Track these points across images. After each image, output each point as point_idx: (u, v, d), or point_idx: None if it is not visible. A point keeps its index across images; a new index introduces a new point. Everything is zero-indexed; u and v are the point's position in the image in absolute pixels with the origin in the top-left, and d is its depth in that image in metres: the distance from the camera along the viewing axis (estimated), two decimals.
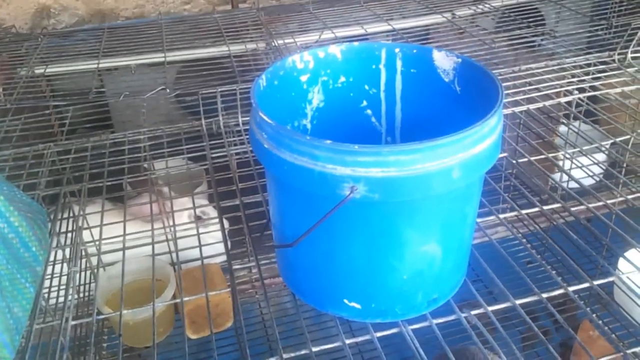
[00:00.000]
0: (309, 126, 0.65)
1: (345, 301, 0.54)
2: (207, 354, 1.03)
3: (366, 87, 0.66)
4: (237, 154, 0.89)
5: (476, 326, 0.55)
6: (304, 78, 0.63)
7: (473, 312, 0.56)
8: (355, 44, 0.64)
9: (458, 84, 0.61)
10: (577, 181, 0.81)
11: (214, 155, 0.86)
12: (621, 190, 0.83)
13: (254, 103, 0.52)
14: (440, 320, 0.56)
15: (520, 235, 1.13)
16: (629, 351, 0.52)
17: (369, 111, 0.67)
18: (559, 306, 1.10)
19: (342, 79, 0.65)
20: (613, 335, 0.97)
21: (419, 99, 0.65)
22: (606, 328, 1.00)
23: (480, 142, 0.48)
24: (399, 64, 0.64)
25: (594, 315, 1.04)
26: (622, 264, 0.93)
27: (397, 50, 0.63)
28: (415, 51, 0.63)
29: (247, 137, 0.91)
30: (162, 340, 1.00)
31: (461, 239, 0.55)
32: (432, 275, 0.54)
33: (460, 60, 0.60)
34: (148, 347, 1.00)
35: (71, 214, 0.84)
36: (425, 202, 0.49)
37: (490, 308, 0.57)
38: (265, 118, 0.50)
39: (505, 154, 0.85)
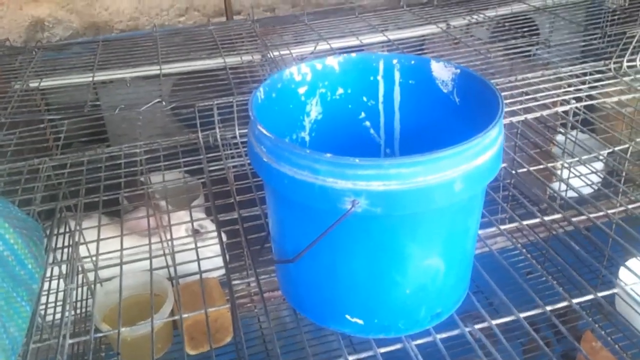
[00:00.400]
0: (307, 139, 0.65)
1: (347, 317, 0.54)
2: None
3: (364, 98, 0.66)
4: (234, 166, 0.89)
5: (480, 340, 0.54)
6: (301, 90, 0.63)
7: (477, 327, 0.56)
8: (353, 55, 0.63)
9: (457, 94, 0.61)
10: (576, 190, 0.81)
11: (211, 168, 0.85)
12: (620, 199, 0.83)
13: (252, 116, 0.52)
14: (444, 335, 0.56)
15: (519, 245, 1.12)
16: None
17: (367, 123, 0.67)
18: (560, 317, 1.09)
19: (340, 90, 0.65)
20: (616, 346, 0.96)
21: (417, 110, 0.65)
22: (609, 339, 0.99)
23: (482, 154, 0.48)
24: (397, 75, 0.64)
25: (596, 325, 1.03)
26: (623, 273, 0.92)
27: (395, 61, 0.63)
28: (413, 62, 0.63)
29: (245, 149, 0.91)
30: (160, 357, 0.98)
31: (464, 252, 0.54)
32: (435, 290, 0.53)
33: (458, 70, 0.59)
34: None
35: (67, 229, 0.83)
36: (428, 216, 0.48)
37: (494, 322, 0.56)
38: (264, 131, 0.49)
39: (504, 164, 0.85)
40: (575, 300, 0.58)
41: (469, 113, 0.60)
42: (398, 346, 0.54)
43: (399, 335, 0.55)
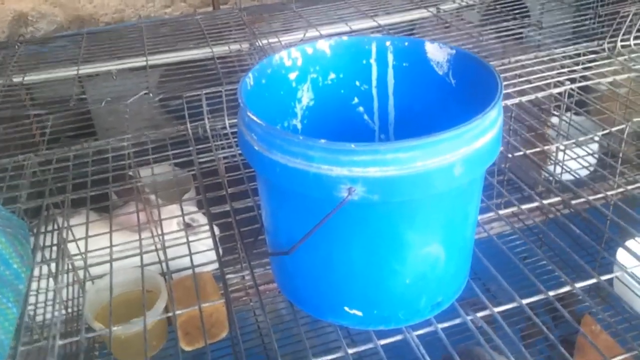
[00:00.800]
0: (299, 126, 0.63)
1: (346, 309, 0.52)
2: None
3: (357, 83, 0.64)
4: (225, 157, 0.86)
5: (481, 327, 0.53)
6: (292, 76, 0.61)
7: (479, 314, 0.54)
8: (345, 38, 0.61)
9: (452, 76, 0.59)
10: (573, 173, 0.79)
11: (201, 160, 0.83)
12: (618, 179, 0.82)
13: (242, 103, 0.50)
14: (445, 325, 0.54)
15: (517, 230, 1.11)
16: None
17: (360, 108, 0.65)
18: (558, 301, 1.09)
19: (332, 75, 0.63)
20: (616, 329, 0.95)
21: (412, 94, 0.63)
22: (610, 321, 0.98)
23: (481, 136, 0.46)
24: (390, 57, 0.62)
25: (597, 309, 1.03)
26: (620, 254, 0.91)
27: (388, 43, 0.61)
28: (407, 44, 0.61)
29: (235, 139, 0.89)
30: (156, 354, 0.97)
31: (464, 239, 0.53)
32: (435, 278, 0.51)
33: (454, 51, 0.58)
34: None
35: (55, 227, 0.81)
36: (427, 202, 0.46)
37: (496, 309, 0.55)
38: (255, 118, 0.47)
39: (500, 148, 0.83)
40: (578, 285, 0.57)
41: (466, 95, 0.58)
42: (399, 337, 0.53)
43: (399, 326, 0.53)
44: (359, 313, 0.52)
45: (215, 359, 0.97)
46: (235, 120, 0.94)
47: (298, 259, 0.52)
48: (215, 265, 1.08)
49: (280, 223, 0.52)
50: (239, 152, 0.86)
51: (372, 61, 0.62)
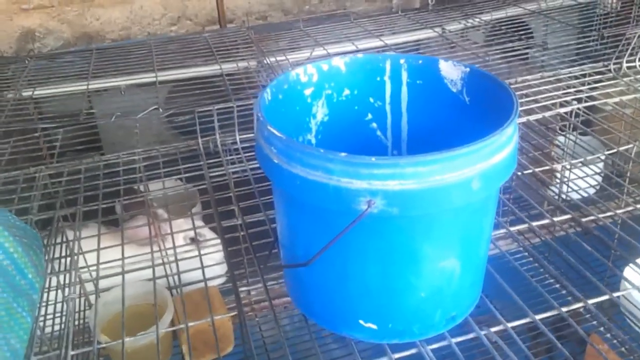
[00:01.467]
0: (313, 141, 0.64)
1: (361, 322, 0.52)
2: None
3: (371, 99, 0.65)
4: (234, 172, 0.87)
5: (496, 342, 0.53)
6: (307, 92, 0.61)
7: (492, 329, 0.54)
8: (360, 55, 0.62)
9: (467, 94, 0.60)
10: (580, 192, 0.80)
11: (212, 175, 0.84)
12: (625, 198, 0.82)
13: (261, 117, 0.50)
14: (459, 339, 0.54)
15: (522, 249, 1.12)
16: None
17: (374, 124, 0.66)
18: (563, 320, 1.09)
19: (347, 91, 0.64)
20: (623, 349, 0.95)
21: (425, 111, 0.64)
22: (615, 341, 0.99)
23: (498, 152, 0.46)
24: (404, 75, 0.63)
25: (601, 328, 1.03)
26: (628, 272, 0.91)
27: (402, 61, 0.62)
28: (420, 62, 0.62)
29: (246, 154, 0.89)
30: None
31: (479, 253, 0.53)
32: (450, 292, 0.52)
33: (468, 69, 0.59)
34: None
35: (65, 239, 0.81)
36: (444, 216, 0.47)
37: (510, 324, 0.55)
38: (275, 132, 0.48)
39: None
40: (591, 301, 0.57)
41: (479, 112, 0.59)
42: (413, 351, 0.53)
43: (413, 340, 0.53)
44: (374, 326, 0.52)
45: None
46: (246, 136, 0.95)
47: (314, 272, 0.52)
48: (221, 280, 1.08)
49: (298, 236, 0.53)
50: (250, 166, 0.87)
51: (386, 78, 0.63)
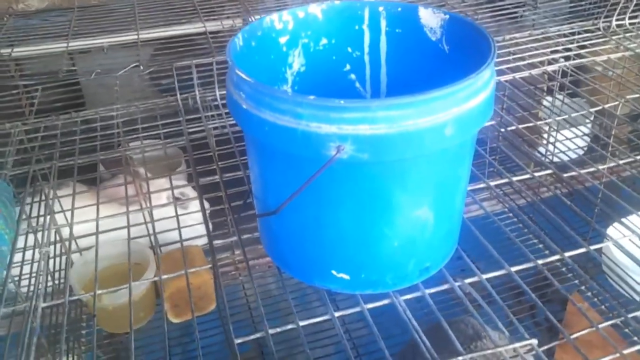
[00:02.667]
0: (289, 92, 0.62)
1: (334, 272, 0.51)
2: (190, 337, 1.00)
3: (349, 49, 0.63)
4: (215, 128, 0.85)
5: (470, 294, 0.52)
6: (283, 40, 0.59)
7: (467, 281, 0.54)
8: (337, 2, 0.60)
9: (446, 42, 0.58)
10: (565, 154, 0.79)
11: (190, 130, 0.82)
12: (610, 155, 0.81)
13: (231, 61, 0.49)
14: (433, 290, 0.54)
15: (506, 209, 1.11)
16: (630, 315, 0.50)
17: (352, 76, 0.64)
18: (545, 280, 1.09)
19: (324, 41, 0.62)
20: (603, 307, 0.96)
21: (405, 61, 0.62)
22: (595, 299, 0.99)
23: (474, 97, 0.45)
24: (383, 23, 0.61)
25: (582, 287, 1.03)
26: (611, 231, 0.91)
27: (381, 8, 0.60)
28: (400, 9, 0.60)
29: (226, 111, 0.88)
30: (143, 326, 0.96)
31: (454, 204, 0.52)
32: (424, 243, 0.51)
33: (447, 16, 0.57)
34: (129, 333, 0.96)
35: (42, 198, 0.80)
36: (417, 162, 0.46)
37: (485, 276, 0.54)
38: (243, 75, 0.46)
39: (492, 122, 0.83)
40: (567, 254, 0.56)
41: (460, 61, 0.57)
42: (386, 301, 0.52)
43: (386, 291, 0.53)
44: (346, 277, 0.51)
45: (203, 331, 0.97)
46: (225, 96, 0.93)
47: (285, 221, 0.51)
48: (205, 240, 1.07)
49: (269, 184, 0.51)
50: (230, 123, 0.86)
51: (365, 27, 0.61)
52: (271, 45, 0.59)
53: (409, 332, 0.61)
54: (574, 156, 1.09)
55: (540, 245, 1.05)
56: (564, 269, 1.04)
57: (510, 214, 1.12)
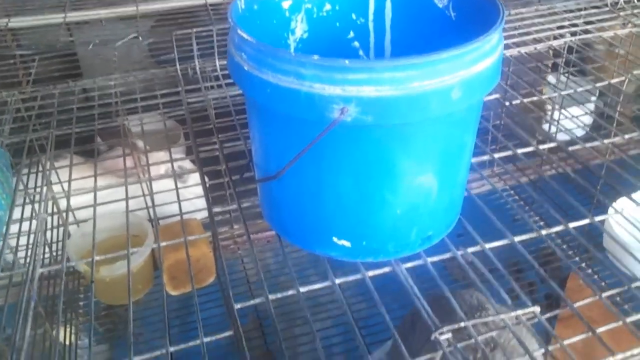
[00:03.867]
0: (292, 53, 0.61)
1: (335, 239, 0.51)
2: (189, 310, 1.00)
3: (353, 16, 0.61)
4: (214, 99, 0.84)
5: (472, 263, 0.52)
6: (286, 5, 0.58)
7: (469, 250, 0.53)
8: None
9: (453, 9, 0.57)
10: (569, 134, 0.78)
11: (190, 101, 0.81)
12: (614, 134, 0.80)
13: (232, 22, 0.47)
14: (435, 259, 0.53)
15: (508, 187, 1.11)
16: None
17: (356, 43, 0.63)
18: (545, 256, 1.09)
19: (328, 6, 0.60)
20: (602, 283, 0.96)
21: (410, 29, 0.61)
22: (595, 277, 0.99)
23: (481, 60, 0.44)
24: None
25: (582, 264, 1.03)
26: (615, 204, 0.91)
27: None
28: None
29: (226, 82, 0.86)
30: (141, 298, 0.96)
31: (458, 171, 0.51)
32: (427, 211, 0.50)
33: None
34: (127, 305, 0.96)
35: (39, 169, 0.79)
36: (423, 127, 0.45)
37: (487, 246, 0.54)
38: (245, 35, 0.45)
39: (496, 95, 0.81)
40: (571, 225, 0.56)
41: (466, 29, 0.55)
42: (387, 269, 0.52)
43: (387, 259, 0.52)
44: (347, 244, 0.50)
45: (202, 304, 0.97)
46: (226, 62, 0.92)
47: (286, 187, 0.50)
48: (204, 214, 1.06)
49: (270, 150, 0.50)
50: (231, 94, 0.84)
51: None
52: (274, 10, 0.57)
53: (408, 306, 0.61)
54: (579, 134, 1.08)
55: (542, 223, 1.05)
56: (564, 246, 1.04)
57: (512, 192, 1.12)
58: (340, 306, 0.98)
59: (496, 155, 0.67)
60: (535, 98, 0.80)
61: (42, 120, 0.81)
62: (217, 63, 0.87)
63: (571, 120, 1.01)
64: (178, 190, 0.83)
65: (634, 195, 0.67)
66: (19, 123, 0.81)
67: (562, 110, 0.98)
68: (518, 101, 0.79)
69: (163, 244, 0.66)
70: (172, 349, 0.49)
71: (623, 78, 0.84)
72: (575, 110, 1.09)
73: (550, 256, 1.07)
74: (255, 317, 0.97)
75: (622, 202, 0.90)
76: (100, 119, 0.85)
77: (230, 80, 0.86)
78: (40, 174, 0.78)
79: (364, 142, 0.45)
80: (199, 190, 1.06)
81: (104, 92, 0.87)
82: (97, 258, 0.61)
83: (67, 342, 0.87)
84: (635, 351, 0.45)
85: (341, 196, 0.48)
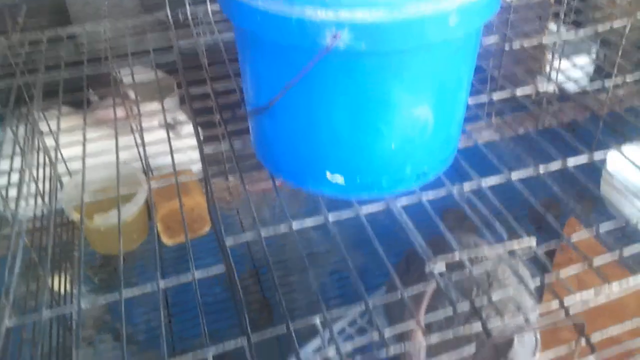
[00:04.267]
0: None
1: (328, 174, 0.50)
2: (184, 259, 1.00)
3: None
4: (207, 46, 0.82)
5: (469, 199, 0.51)
6: None
7: (465, 186, 0.52)
8: None
9: None
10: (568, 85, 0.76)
11: (181, 44, 0.78)
12: (615, 78, 0.79)
13: None
14: (430, 196, 0.52)
15: (507, 138, 1.09)
16: None
17: None
18: (543, 207, 1.08)
19: None
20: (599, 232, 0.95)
21: None
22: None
23: None
24: None
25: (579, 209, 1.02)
26: (610, 158, 0.90)
27: None
28: None
29: (216, 19, 0.84)
30: (137, 248, 0.95)
31: (455, 105, 0.50)
32: (422, 145, 0.49)
33: None
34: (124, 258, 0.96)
35: (29, 121, 0.77)
36: (418, 54, 0.43)
37: (483, 181, 0.53)
38: None
39: (494, 40, 0.79)
40: (570, 163, 0.55)
41: None
42: (381, 206, 0.51)
43: (382, 195, 0.51)
44: (341, 179, 0.49)
45: (197, 253, 0.97)
46: (218, 7, 0.89)
47: (277, 120, 0.49)
48: (197, 166, 1.05)
49: (261, 82, 0.49)
50: (222, 38, 0.82)
51: None
52: None
53: (402, 255, 0.59)
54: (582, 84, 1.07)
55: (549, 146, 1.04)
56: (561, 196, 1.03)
57: (511, 143, 1.10)
58: (335, 253, 0.98)
59: (495, 97, 0.65)
60: (535, 42, 0.78)
61: (30, 67, 0.79)
62: (209, 7, 0.84)
63: (571, 68, 0.99)
64: (171, 142, 0.81)
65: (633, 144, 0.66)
66: (6, 70, 0.79)
67: (563, 61, 0.97)
68: (518, 46, 0.77)
69: (154, 185, 0.64)
70: (162, 283, 0.48)
71: (625, 22, 0.81)
72: (576, 60, 1.07)
73: (549, 207, 1.07)
74: (253, 272, 0.97)
75: (624, 147, 0.89)
76: (89, 65, 0.83)
77: (223, 26, 0.84)
78: (29, 125, 0.77)
79: (358, 71, 0.43)
80: (192, 142, 1.05)
81: (94, 39, 0.84)
82: (86, 200, 0.59)
83: (62, 291, 0.87)
84: (631, 281, 0.45)
85: (334, 128, 0.47)
